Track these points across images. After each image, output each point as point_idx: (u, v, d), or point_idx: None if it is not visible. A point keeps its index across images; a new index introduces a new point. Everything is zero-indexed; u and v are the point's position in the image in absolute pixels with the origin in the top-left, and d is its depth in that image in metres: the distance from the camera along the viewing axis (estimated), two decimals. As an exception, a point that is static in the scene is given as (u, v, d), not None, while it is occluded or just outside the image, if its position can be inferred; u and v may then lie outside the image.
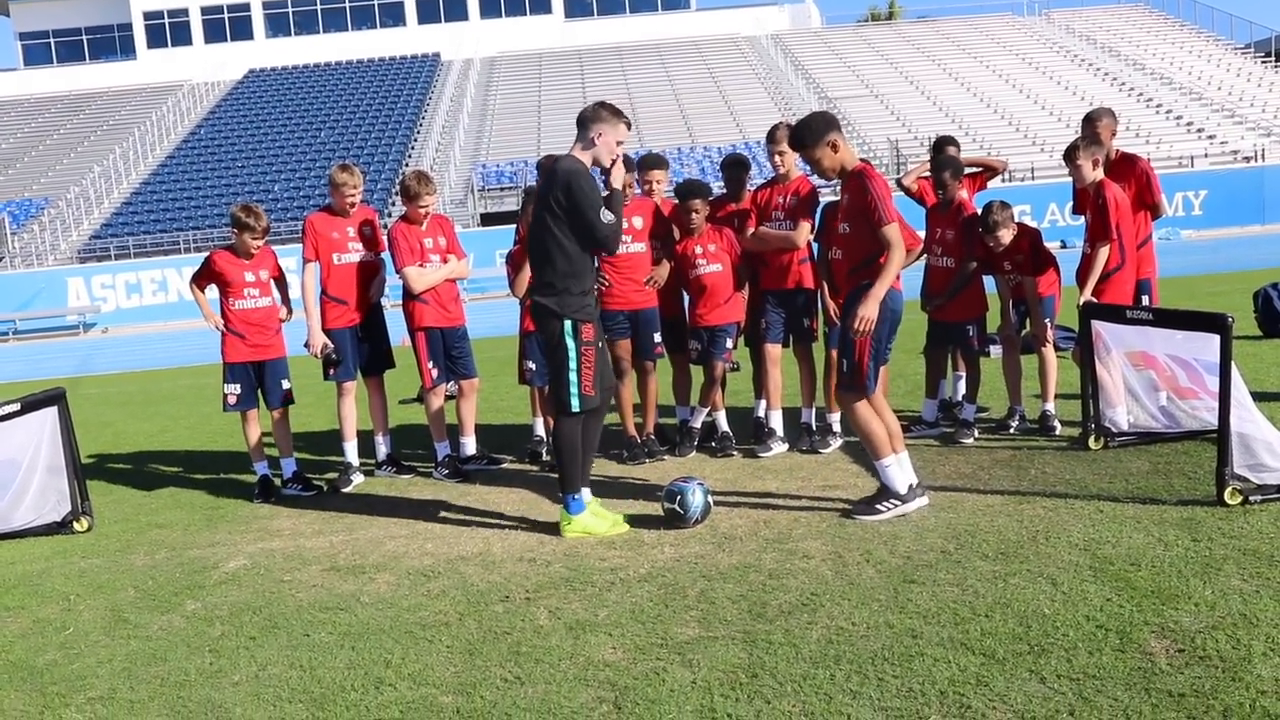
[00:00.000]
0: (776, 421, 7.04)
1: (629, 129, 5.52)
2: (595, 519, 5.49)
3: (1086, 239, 6.65)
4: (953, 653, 3.66)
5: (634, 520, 5.57)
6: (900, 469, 5.37)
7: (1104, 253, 6.45)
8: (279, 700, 3.77)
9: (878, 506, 5.33)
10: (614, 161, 5.48)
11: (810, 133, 5.27)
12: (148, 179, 40.40)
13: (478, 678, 3.80)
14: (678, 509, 5.40)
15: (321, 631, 4.41)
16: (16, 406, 6.22)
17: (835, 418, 7.05)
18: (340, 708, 3.66)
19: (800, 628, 3.99)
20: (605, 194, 5.46)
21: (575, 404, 5.48)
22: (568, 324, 5.43)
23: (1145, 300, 6.84)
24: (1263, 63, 43.92)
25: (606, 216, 5.34)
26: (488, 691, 3.68)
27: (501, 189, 35.70)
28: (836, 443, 6.99)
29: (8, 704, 3.95)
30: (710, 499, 5.49)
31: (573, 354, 5.44)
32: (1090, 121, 7.10)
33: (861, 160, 5.42)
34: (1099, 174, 6.61)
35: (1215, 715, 3.09)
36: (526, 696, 3.61)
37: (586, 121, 5.41)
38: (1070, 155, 6.64)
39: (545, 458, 7.21)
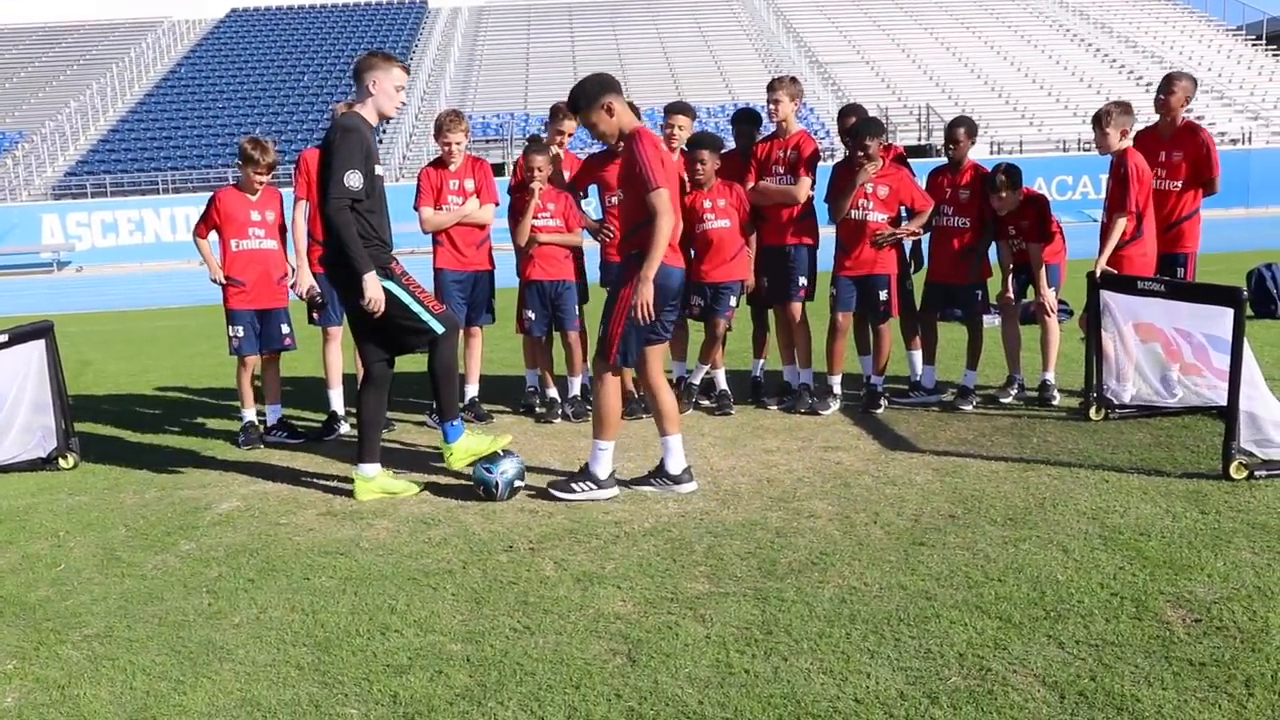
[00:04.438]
0: (835, 382, 7.01)
1: (406, 73, 5.35)
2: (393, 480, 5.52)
3: (1105, 208, 6.56)
4: (968, 615, 3.63)
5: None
6: (607, 456, 5.18)
7: (1120, 224, 6.36)
8: (282, 643, 3.69)
9: (573, 485, 5.21)
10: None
11: (584, 96, 5.07)
12: (125, 116, 39.60)
13: (486, 626, 3.74)
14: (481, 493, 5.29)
15: (322, 576, 4.33)
16: (4, 338, 6.06)
17: (836, 380, 6.99)
18: (346, 652, 3.59)
19: (812, 586, 3.95)
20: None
21: (436, 326, 5.32)
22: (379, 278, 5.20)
23: (1180, 274, 6.73)
24: (1253, 45, 43.89)
25: (351, 179, 5.04)
26: (497, 640, 3.62)
27: (487, 140, 35.22)
28: (836, 405, 6.94)
29: (1, 639, 3.86)
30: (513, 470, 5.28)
31: (400, 292, 5.25)
32: (1169, 81, 6.79)
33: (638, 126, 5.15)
34: (1126, 144, 6.47)
35: (1238, 685, 3.07)
36: (538, 646, 3.55)
37: (360, 73, 5.23)
38: (1099, 121, 6.45)
39: (538, 409, 7.14)
